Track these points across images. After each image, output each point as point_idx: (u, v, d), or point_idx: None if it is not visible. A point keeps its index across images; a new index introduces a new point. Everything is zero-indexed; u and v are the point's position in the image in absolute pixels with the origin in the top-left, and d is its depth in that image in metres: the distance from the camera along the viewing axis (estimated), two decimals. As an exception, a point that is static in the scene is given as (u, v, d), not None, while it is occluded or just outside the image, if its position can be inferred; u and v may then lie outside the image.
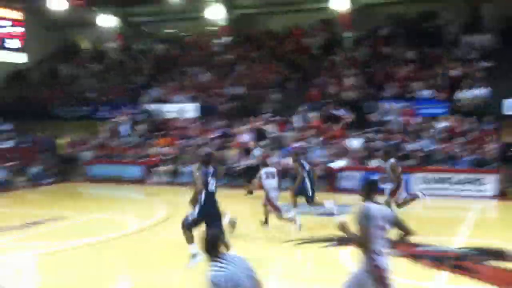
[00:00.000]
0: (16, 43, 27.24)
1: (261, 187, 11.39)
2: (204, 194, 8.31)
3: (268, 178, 11.19)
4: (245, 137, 19.77)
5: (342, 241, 9.72)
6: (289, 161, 17.37)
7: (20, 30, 27.43)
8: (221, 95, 23.13)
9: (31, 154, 20.44)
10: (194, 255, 8.28)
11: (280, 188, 11.47)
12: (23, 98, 26.72)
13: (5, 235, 11.24)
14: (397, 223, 5.29)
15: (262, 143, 19.13)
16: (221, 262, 4.25)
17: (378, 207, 5.18)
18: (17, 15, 27.60)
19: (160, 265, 8.86)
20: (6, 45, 26.98)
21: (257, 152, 18.05)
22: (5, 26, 26.99)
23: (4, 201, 16.75)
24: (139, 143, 21.53)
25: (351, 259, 8.84)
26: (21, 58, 27.62)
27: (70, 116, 24.94)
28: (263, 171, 11.27)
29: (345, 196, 15.75)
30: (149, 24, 30.67)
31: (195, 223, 8.39)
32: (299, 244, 9.99)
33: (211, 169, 8.44)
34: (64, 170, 21.06)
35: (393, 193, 12.05)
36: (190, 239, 8.43)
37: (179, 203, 15.32)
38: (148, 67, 27.31)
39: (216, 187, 8.46)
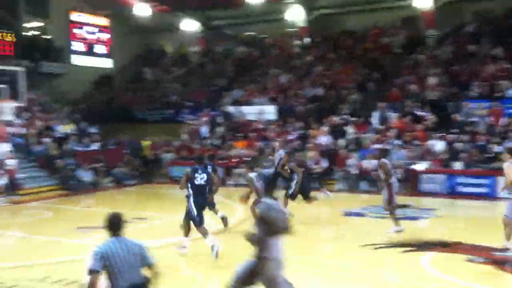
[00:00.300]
0: (102, 49, 28.39)
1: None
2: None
3: None
4: (323, 139, 19.62)
5: (422, 246, 9.43)
6: (368, 163, 17.17)
7: (106, 36, 28.57)
8: (299, 96, 23.08)
9: (117, 156, 21.21)
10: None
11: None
12: (109, 102, 27.86)
13: (92, 234, 11.68)
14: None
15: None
16: (112, 241, 4.92)
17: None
18: (104, 21, 28.78)
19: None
20: (94, 50, 28.16)
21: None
22: (93, 33, 28.20)
23: (91, 201, 17.54)
24: (218, 145, 21.84)
25: (432, 264, 8.59)
26: (107, 63, 28.75)
27: (153, 119, 25.72)
28: None
29: (428, 199, 15.27)
30: (230, 27, 31.07)
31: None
32: (377, 248, 9.77)
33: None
34: (147, 172, 21.73)
35: (389, 198, 11.03)
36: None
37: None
38: (229, 70, 27.70)
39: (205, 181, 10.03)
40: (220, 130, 22.88)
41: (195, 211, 9.86)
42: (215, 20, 30.99)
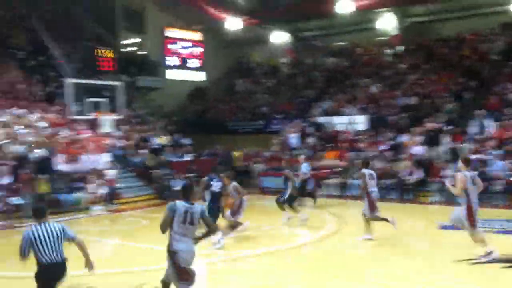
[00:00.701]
0: (196, 63, 29.21)
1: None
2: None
3: None
4: (417, 149, 19.06)
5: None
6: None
7: (199, 50, 29.38)
8: (391, 106, 22.59)
9: (209, 166, 21.62)
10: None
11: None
12: (202, 113, 28.58)
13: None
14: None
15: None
16: (35, 226, 6.07)
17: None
18: (197, 36, 29.62)
19: (332, 277, 8.83)
20: (188, 64, 29.02)
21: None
22: (187, 47, 29.09)
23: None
24: (309, 155, 21.75)
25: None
26: (201, 76, 29.53)
27: (244, 130, 26.08)
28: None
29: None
30: (319, 38, 31.01)
31: None
32: (474, 264, 9.29)
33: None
34: (239, 182, 21.92)
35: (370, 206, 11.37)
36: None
37: (348, 216, 15.31)
38: (319, 80, 27.62)
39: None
40: (310, 140, 22.82)
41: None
42: (304, 31, 31.06)
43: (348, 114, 23.32)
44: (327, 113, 24.27)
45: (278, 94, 27.87)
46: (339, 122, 23.26)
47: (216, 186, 11.76)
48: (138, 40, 30.05)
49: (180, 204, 6.34)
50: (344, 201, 18.57)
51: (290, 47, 31.14)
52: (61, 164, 17.54)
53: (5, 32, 24.72)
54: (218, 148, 23.81)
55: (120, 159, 19.89)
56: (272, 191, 20.47)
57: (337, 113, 23.90)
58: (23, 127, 18.32)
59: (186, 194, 6.55)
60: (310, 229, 13.52)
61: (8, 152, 16.50)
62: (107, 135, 20.50)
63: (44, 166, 16.52)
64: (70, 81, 20.53)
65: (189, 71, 29.01)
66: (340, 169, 19.97)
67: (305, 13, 27.80)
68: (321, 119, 23.98)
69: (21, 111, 19.27)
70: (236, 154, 22.78)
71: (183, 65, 28.69)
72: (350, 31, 28.89)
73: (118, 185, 18.51)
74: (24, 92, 21.20)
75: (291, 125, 24.00)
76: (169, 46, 28.35)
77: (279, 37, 30.42)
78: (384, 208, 12.28)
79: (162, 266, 9.73)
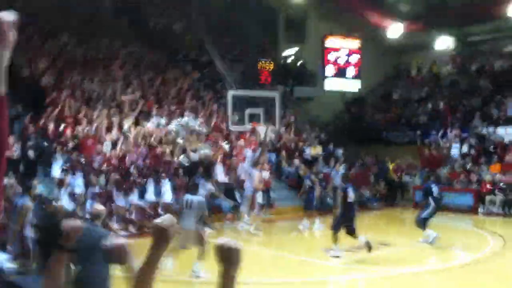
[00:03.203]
0: (352, 71, 28.94)
1: None
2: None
3: None
4: None
5: None
6: None
7: (356, 57, 29.09)
8: None
9: (362, 178, 21.34)
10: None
11: None
12: (357, 123, 28.24)
13: (333, 258, 11.95)
14: None
15: None
16: None
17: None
18: (355, 43, 29.36)
19: None
20: (345, 73, 28.83)
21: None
22: (344, 56, 28.93)
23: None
24: (471, 168, 20.53)
25: None
26: (356, 85, 29.21)
27: (400, 140, 25.27)
28: None
29: None
30: (487, 42, 29.11)
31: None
32: None
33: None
34: (392, 195, 21.45)
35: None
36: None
37: (510, 236, 14.23)
38: (484, 87, 25.92)
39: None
40: (472, 152, 21.52)
41: None
42: (471, 36, 29.35)
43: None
44: (492, 122, 22.69)
45: (439, 103, 26.60)
46: (506, 133, 21.62)
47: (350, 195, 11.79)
48: (297, 49, 30.54)
49: None
50: (508, 219, 17.28)
51: (455, 52, 29.62)
52: (220, 174, 18.36)
53: (175, 45, 26.63)
54: (372, 159, 23.35)
55: (275, 169, 20.32)
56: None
57: (506, 122, 22.24)
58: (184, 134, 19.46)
59: None
60: (467, 249, 12.83)
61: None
62: (264, 144, 21.03)
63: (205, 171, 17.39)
64: (231, 92, 21.51)
65: (345, 79, 28.78)
66: (505, 184, 18.57)
67: (473, 17, 26.38)
68: (486, 129, 22.45)
69: (187, 118, 20.46)
70: (390, 165, 22.20)
71: (340, 74, 28.53)
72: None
73: (272, 195, 18.94)
74: (191, 102, 22.56)
75: (451, 135, 22.80)
76: (328, 56, 28.39)
77: (443, 43, 29.06)
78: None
79: (317, 279, 9.98)
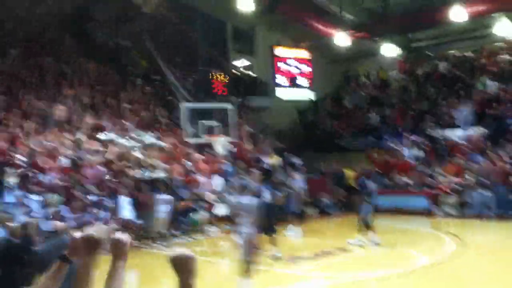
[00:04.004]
0: (304, 81, 29.28)
1: None
2: None
3: None
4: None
5: None
6: None
7: (307, 68, 29.44)
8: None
9: (320, 185, 21.56)
10: None
11: None
12: (311, 132, 28.55)
13: (300, 264, 12.00)
14: None
15: None
16: None
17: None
18: (305, 53, 29.72)
19: None
20: (296, 82, 29.15)
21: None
22: (295, 66, 29.24)
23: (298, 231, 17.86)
24: (423, 171, 21.03)
25: None
26: (309, 94, 29.58)
27: (354, 146, 25.65)
28: None
29: None
30: (431, 48, 30.00)
31: None
32: None
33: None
34: (351, 201, 21.73)
35: None
36: None
37: (466, 238, 14.63)
38: (431, 91, 26.66)
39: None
40: (424, 155, 22.05)
41: None
42: (415, 41, 30.19)
43: (464, 125, 22.26)
44: (441, 125, 23.35)
45: (388, 108, 27.21)
46: (454, 134, 22.29)
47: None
48: (247, 61, 30.68)
49: None
50: (463, 221, 17.77)
51: (400, 58, 30.38)
52: (180, 187, 18.22)
53: (124, 61, 26.32)
54: (328, 166, 23.59)
55: (231, 180, 20.26)
56: (384, 210, 20.16)
57: (451, 124, 22.94)
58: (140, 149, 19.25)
59: None
60: (424, 252, 13.07)
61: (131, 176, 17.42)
62: (220, 157, 21.03)
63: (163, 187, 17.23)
64: (185, 105, 21.42)
65: (297, 89, 29.09)
66: (458, 186, 19.08)
67: (418, 24, 27.17)
68: (436, 132, 23.08)
69: (140, 132, 20.25)
70: (347, 172, 22.50)
71: (291, 84, 28.85)
72: (463, 38, 27.70)
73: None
74: (145, 117, 22.32)
75: (403, 139, 23.33)
76: (278, 65, 28.65)
77: (389, 49, 29.74)
78: None
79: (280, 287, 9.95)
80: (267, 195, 13.92)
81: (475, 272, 10.84)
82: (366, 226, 13.93)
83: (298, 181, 19.12)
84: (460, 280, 10.26)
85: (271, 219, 12.48)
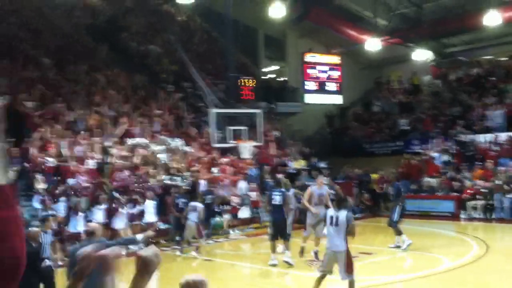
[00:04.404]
0: (333, 86, 29.25)
1: None
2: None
3: None
4: None
5: None
6: None
7: (337, 73, 29.43)
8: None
9: (346, 189, 21.47)
10: None
11: None
12: (339, 137, 28.51)
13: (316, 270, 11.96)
14: None
15: None
16: None
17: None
18: (335, 59, 29.74)
19: None
20: (326, 88, 29.16)
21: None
22: (325, 71, 29.28)
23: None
24: (452, 176, 20.76)
25: None
26: (338, 99, 29.54)
27: (382, 151, 25.52)
28: None
29: None
30: (464, 53, 29.58)
31: None
32: None
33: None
34: (375, 205, 21.65)
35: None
36: None
37: (492, 241, 14.40)
38: (463, 97, 26.29)
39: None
40: (454, 159, 21.77)
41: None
42: (448, 47, 29.84)
43: (493, 130, 21.92)
44: (470, 130, 23.01)
45: (419, 113, 26.91)
46: (484, 140, 21.94)
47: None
48: (278, 67, 30.86)
49: None
50: (490, 225, 17.48)
51: (433, 64, 30.06)
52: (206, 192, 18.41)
53: (156, 67, 26.84)
54: (355, 171, 23.51)
55: (258, 184, 20.41)
56: (409, 214, 19.97)
57: (483, 130, 22.59)
58: (168, 153, 19.56)
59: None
60: (450, 255, 12.92)
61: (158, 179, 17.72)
62: (247, 161, 21.22)
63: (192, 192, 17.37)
64: (214, 110, 21.69)
65: (327, 94, 29.09)
66: (486, 190, 18.78)
67: (451, 29, 26.92)
68: (466, 137, 22.74)
69: (166, 138, 20.60)
70: (373, 176, 22.36)
71: (321, 89, 28.86)
72: (497, 44, 27.25)
73: (257, 209, 19.07)
74: (174, 123, 22.71)
75: (433, 144, 23.07)
76: (308, 71, 28.71)
77: (422, 55, 29.45)
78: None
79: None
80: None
81: (500, 276, 10.68)
82: (399, 229, 13.80)
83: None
84: (485, 284, 10.14)
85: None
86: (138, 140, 19.53)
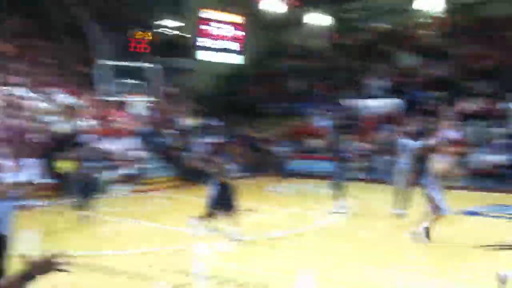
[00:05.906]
0: (233, 45, 29.05)
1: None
2: None
3: None
4: (450, 133, 18.46)
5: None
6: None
7: (238, 32, 29.22)
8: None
9: (233, 148, 21.59)
10: None
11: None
12: (234, 96, 28.54)
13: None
14: None
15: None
16: None
17: None
18: (236, 18, 29.47)
19: (349, 261, 8.87)
20: (225, 46, 28.92)
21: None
22: (224, 29, 28.97)
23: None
24: (336, 139, 21.49)
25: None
26: (237, 59, 29.42)
27: (275, 112, 25.89)
28: None
29: None
30: (358, 20, 30.34)
31: None
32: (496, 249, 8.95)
33: None
34: (263, 165, 21.99)
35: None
36: None
37: (369, 200, 15.17)
38: (355, 63, 27.06)
39: None
40: (341, 123, 22.53)
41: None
42: (345, 12, 30.49)
43: (379, 97, 22.84)
44: (358, 96, 23.86)
45: (312, 77, 27.42)
46: (370, 105, 22.86)
47: None
48: (175, 21, 30.11)
49: None
50: (369, 185, 18.40)
51: (330, 29, 30.64)
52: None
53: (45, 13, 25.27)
54: (245, 130, 23.71)
55: (147, 140, 20.09)
56: (295, 174, 20.57)
57: (368, 95, 23.50)
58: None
59: None
60: (327, 213, 13.42)
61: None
62: (137, 116, 20.78)
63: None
64: (102, 62, 20.94)
65: (225, 53, 28.87)
66: (365, 152, 19.72)
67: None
68: (354, 102, 23.57)
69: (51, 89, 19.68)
70: (262, 136, 22.65)
71: (219, 47, 28.58)
72: (390, 11, 28.12)
73: (143, 165, 18.78)
74: (59, 72, 21.65)
75: (321, 108, 23.72)
76: (205, 28, 28.22)
77: (318, 19, 29.90)
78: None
79: (177, 247, 9.87)
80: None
81: (371, 232, 11.28)
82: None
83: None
84: (353, 240, 10.60)
85: None
86: (23, 92, 18.46)
